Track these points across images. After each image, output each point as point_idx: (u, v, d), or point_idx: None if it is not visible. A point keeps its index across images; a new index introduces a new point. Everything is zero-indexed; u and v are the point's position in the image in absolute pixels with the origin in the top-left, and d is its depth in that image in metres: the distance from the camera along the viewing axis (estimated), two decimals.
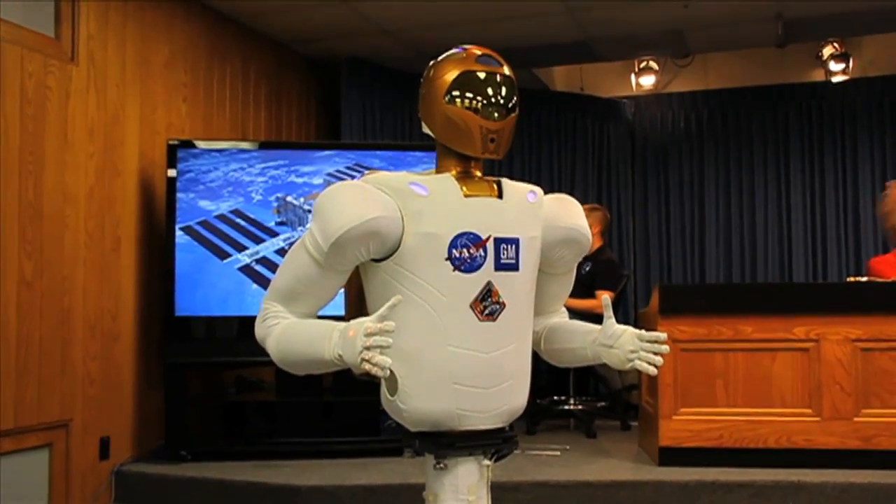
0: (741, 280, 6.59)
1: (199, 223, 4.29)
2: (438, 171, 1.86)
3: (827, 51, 6.32)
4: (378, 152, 4.69)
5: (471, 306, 1.76)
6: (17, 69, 3.59)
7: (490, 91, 1.78)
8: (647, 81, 6.67)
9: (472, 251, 1.76)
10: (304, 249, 1.76)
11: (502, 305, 1.79)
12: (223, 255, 4.29)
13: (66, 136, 3.85)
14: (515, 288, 1.81)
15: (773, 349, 3.84)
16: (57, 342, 3.77)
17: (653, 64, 6.61)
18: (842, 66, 6.32)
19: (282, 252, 4.28)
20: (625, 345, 1.84)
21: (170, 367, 4.25)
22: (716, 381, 3.88)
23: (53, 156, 3.77)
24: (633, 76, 6.72)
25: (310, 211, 4.21)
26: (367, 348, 1.54)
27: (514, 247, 1.81)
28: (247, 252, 4.33)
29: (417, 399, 1.75)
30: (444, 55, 1.84)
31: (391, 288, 1.73)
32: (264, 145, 4.74)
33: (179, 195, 4.28)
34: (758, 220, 6.64)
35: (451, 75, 1.78)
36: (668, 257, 6.84)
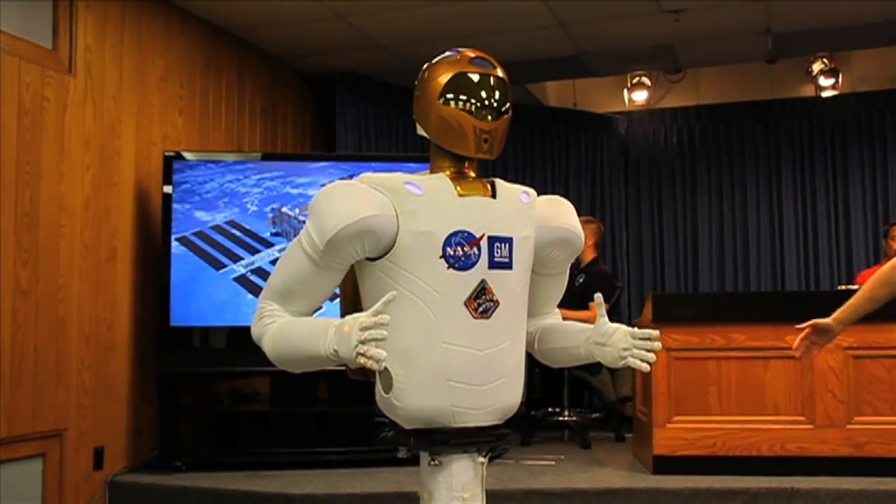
0: (734, 290, 6.63)
1: (194, 234, 4.31)
2: (432, 171, 1.90)
3: (817, 66, 6.39)
4: (372, 164, 4.73)
5: (465, 304, 1.77)
6: (15, 80, 3.62)
7: (483, 93, 1.81)
8: (640, 97, 6.72)
9: (466, 249, 1.78)
10: (300, 248, 1.78)
11: (496, 303, 1.80)
12: (218, 266, 4.31)
13: (63, 146, 3.87)
14: (509, 286, 1.83)
15: (765, 357, 3.85)
16: (51, 351, 3.77)
17: (645, 80, 6.67)
18: (831, 81, 6.39)
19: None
20: (617, 343, 1.86)
21: (164, 377, 4.24)
22: (709, 390, 3.89)
23: (50, 166, 3.80)
24: (625, 92, 6.78)
25: (305, 222, 4.23)
26: (363, 342, 1.56)
27: (507, 246, 1.83)
28: (242, 262, 4.34)
29: (412, 396, 1.76)
30: (438, 57, 1.88)
31: (386, 286, 1.75)
32: (260, 157, 4.77)
33: (175, 206, 4.29)
34: (750, 231, 6.70)
35: (445, 77, 1.82)
36: (661, 269, 6.88)
